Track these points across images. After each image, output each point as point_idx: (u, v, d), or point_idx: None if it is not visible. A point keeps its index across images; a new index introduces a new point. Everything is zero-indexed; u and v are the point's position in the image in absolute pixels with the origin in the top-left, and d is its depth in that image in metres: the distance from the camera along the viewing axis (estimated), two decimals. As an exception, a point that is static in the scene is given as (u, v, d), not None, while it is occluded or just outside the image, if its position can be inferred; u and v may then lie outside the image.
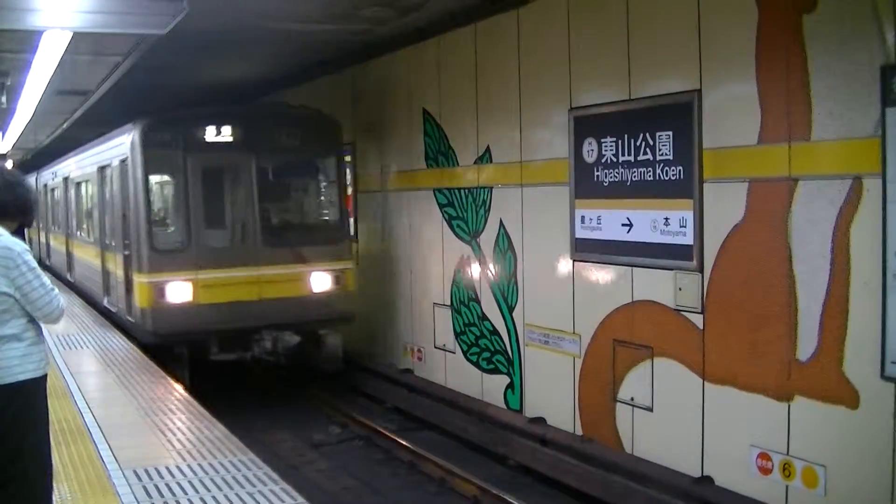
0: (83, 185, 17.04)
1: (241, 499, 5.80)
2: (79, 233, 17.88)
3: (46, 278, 4.68)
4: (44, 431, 4.78)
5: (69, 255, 19.29)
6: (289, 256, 11.78)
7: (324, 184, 13.01)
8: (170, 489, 6.00)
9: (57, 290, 4.71)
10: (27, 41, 10.01)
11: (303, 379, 12.88)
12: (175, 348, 11.40)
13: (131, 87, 13.61)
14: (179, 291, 11.22)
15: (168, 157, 11.71)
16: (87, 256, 16.55)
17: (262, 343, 11.46)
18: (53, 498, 5.14)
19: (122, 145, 12.21)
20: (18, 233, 4.92)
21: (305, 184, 13.12)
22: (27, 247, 4.68)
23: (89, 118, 17.63)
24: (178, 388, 9.26)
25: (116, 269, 12.99)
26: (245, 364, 11.90)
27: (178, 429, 7.50)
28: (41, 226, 25.59)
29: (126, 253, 12.15)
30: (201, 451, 6.86)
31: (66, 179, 19.30)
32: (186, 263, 11.29)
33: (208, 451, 6.86)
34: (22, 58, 11.01)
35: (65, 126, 19.90)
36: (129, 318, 12.21)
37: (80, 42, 9.69)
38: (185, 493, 5.91)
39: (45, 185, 23.86)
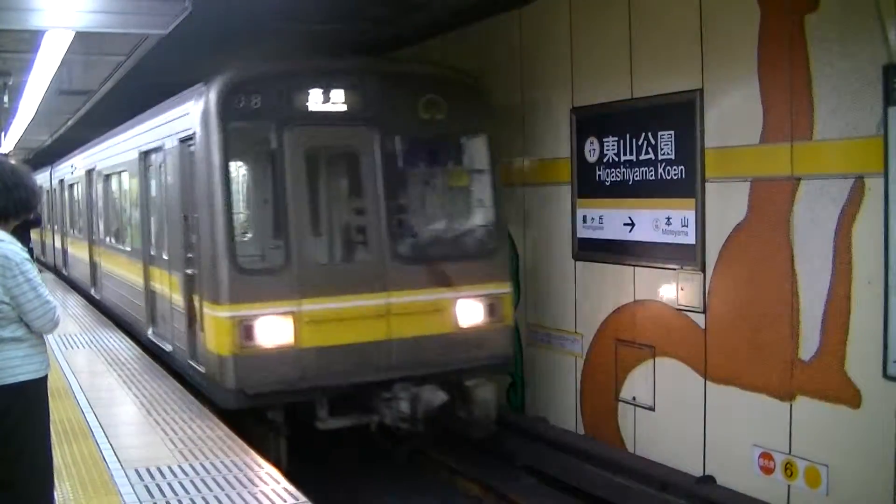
0: (115, 178, 13.51)
1: (243, 499, 5.80)
2: (108, 239, 14.20)
3: (44, 289, 4.62)
4: (45, 432, 4.78)
5: (93, 265, 15.82)
6: (427, 277, 8.36)
7: (473, 174, 9.24)
8: (172, 489, 6.00)
9: (54, 303, 4.66)
10: (29, 41, 10.03)
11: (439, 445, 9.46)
12: (268, 413, 7.99)
13: (133, 87, 13.61)
14: (275, 331, 7.82)
15: (258, 134, 8.30)
16: (120, 270, 12.95)
17: (393, 403, 8.02)
18: (56, 497, 5.14)
19: (183, 118, 8.70)
20: (24, 236, 4.88)
21: (448, 174, 9.43)
22: (27, 256, 4.64)
23: (92, 118, 17.65)
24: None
25: (171, 291, 9.54)
26: (367, 432, 8.50)
27: (181, 428, 7.50)
28: (55, 228, 22.08)
29: (189, 272, 8.76)
30: (203, 450, 6.86)
31: (90, 172, 15.81)
32: (285, 289, 7.86)
33: (210, 450, 6.86)
34: (24, 57, 11.03)
35: (69, 123, 19.91)
36: (195, 367, 8.66)
37: (82, 42, 9.71)
38: (188, 493, 5.91)
39: (62, 181, 20.21)
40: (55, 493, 5.14)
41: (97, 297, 15.52)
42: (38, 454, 4.68)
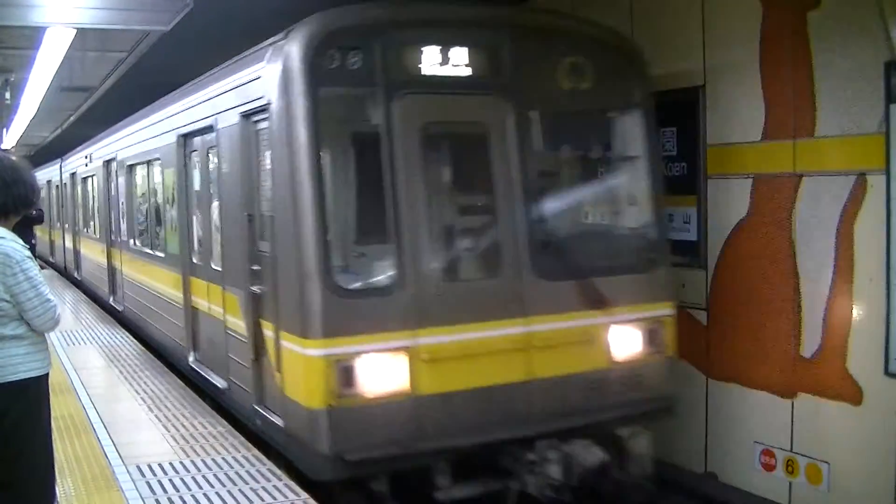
0: (142, 169, 11.50)
1: (244, 495, 5.80)
2: (132, 241, 12.26)
3: (45, 287, 4.62)
4: (46, 429, 4.78)
5: (112, 271, 13.98)
6: (576, 298, 6.45)
7: (627, 162, 7.09)
8: (173, 485, 6.01)
9: (54, 301, 4.65)
10: (31, 37, 10.06)
11: None
12: (371, 483, 6.05)
13: (135, 84, 13.61)
14: (385, 373, 5.89)
15: (357, 104, 6.36)
16: (149, 279, 11.00)
17: (540, 467, 6.14)
18: (58, 493, 5.15)
19: (249, 85, 6.77)
20: (26, 232, 4.87)
21: (597, 160, 7.26)
22: (28, 253, 4.64)
23: (95, 114, 17.67)
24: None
25: (226, 312, 7.58)
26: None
27: (182, 424, 7.50)
28: (66, 227, 20.21)
29: (256, 289, 6.80)
30: (205, 446, 6.87)
31: (108, 163, 13.86)
32: (397, 316, 5.94)
33: (212, 446, 6.87)
34: (26, 54, 11.06)
35: (71, 119, 19.93)
36: (267, 417, 6.69)
37: (84, 38, 9.72)
38: (189, 489, 5.91)
39: (74, 175, 18.33)
40: (57, 490, 5.15)
41: (118, 308, 13.45)
42: (38, 453, 4.68)
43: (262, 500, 5.71)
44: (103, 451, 6.78)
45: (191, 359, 8.91)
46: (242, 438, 7.09)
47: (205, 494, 5.82)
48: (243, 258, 6.99)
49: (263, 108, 6.39)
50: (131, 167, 12.11)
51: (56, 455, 5.09)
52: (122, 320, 13.22)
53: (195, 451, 6.75)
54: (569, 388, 6.37)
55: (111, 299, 14.04)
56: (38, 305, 4.54)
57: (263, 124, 6.49)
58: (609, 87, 6.91)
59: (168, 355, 10.18)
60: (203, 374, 8.47)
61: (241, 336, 7.15)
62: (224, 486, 5.98)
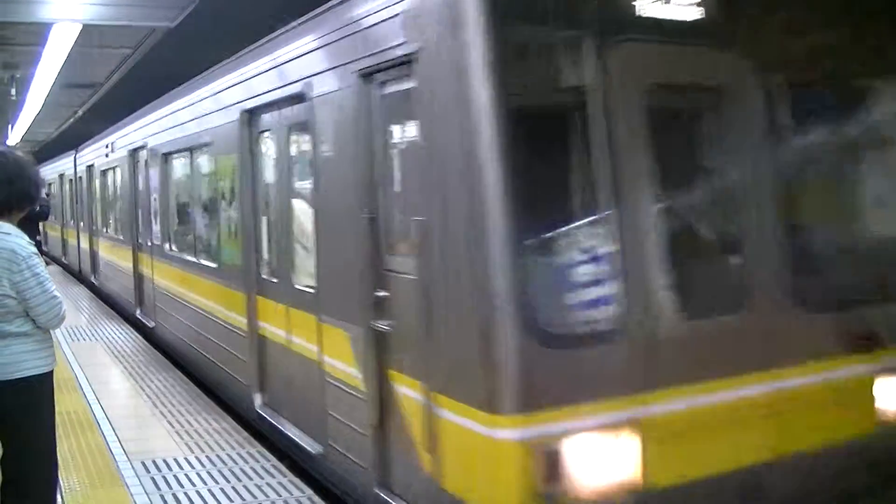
0: (182, 158, 9.69)
1: (248, 490, 5.81)
2: (168, 245, 10.38)
3: (51, 284, 4.59)
4: (51, 426, 4.76)
5: (140, 279, 12.04)
6: (843, 335, 4.73)
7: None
8: (178, 480, 6.02)
9: (60, 298, 4.62)
10: (37, 34, 10.08)
11: None
12: None
13: (140, 81, 13.63)
14: (606, 460, 4.01)
15: (555, 55, 4.20)
16: (193, 293, 9.13)
17: None
18: (62, 487, 5.16)
19: (382, 26, 4.74)
20: (31, 228, 4.84)
21: (863, 148, 5.29)
22: (34, 250, 4.62)
23: (99, 111, 17.70)
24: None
25: (323, 351, 5.74)
26: None
27: (186, 421, 7.52)
28: (81, 226, 18.61)
29: (383, 326, 4.89)
30: (209, 442, 6.88)
31: (136, 153, 11.92)
32: (620, 374, 4.07)
33: (216, 442, 6.88)
34: (32, 50, 11.09)
35: (79, 114, 19.98)
36: None
37: (89, 35, 9.74)
38: (194, 485, 5.93)
39: (91, 167, 16.61)
40: (62, 485, 5.16)
41: (148, 323, 11.55)
42: (42, 450, 4.66)
43: (267, 496, 5.72)
44: (108, 447, 6.79)
45: (257, 402, 7.09)
46: (247, 434, 7.10)
47: (209, 490, 5.83)
48: (358, 279, 5.08)
49: (404, 61, 4.50)
50: (167, 156, 10.13)
51: (61, 451, 5.09)
52: (151, 337, 11.42)
53: (200, 447, 6.76)
54: (832, 465, 4.58)
55: (138, 311, 12.16)
56: (44, 302, 4.53)
57: (404, 84, 4.60)
58: (873, 43, 5.07)
59: (219, 391, 8.45)
60: (278, 425, 6.61)
61: (352, 389, 5.27)
62: (228, 481, 5.99)
